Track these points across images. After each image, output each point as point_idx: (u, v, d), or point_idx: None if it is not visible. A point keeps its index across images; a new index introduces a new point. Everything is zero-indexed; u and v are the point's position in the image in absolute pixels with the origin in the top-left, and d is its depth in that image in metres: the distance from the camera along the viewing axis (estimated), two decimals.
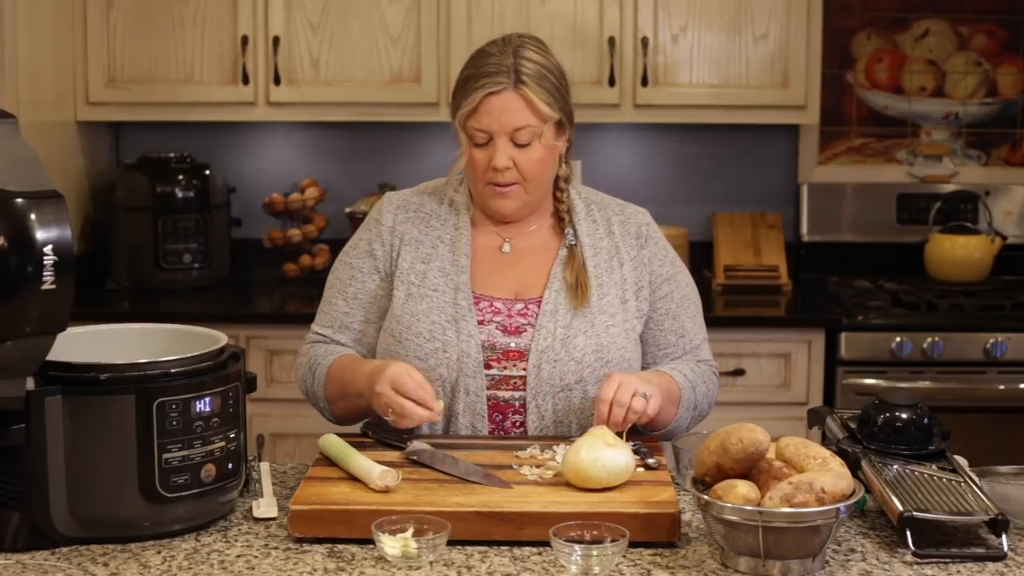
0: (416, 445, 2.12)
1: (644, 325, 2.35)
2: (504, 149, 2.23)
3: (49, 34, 3.74)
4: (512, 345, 2.26)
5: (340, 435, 2.13)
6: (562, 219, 2.36)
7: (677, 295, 2.38)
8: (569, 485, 1.97)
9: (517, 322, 2.28)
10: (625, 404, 2.10)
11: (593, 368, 2.25)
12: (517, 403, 2.26)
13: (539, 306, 2.29)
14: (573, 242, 2.34)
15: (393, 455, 2.10)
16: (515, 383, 2.26)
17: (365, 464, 1.98)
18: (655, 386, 2.17)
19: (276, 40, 3.88)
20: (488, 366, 2.25)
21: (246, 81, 3.90)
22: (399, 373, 2.13)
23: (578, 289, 2.29)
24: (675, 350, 2.37)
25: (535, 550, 1.85)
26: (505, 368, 2.25)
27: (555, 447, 2.12)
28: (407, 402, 2.11)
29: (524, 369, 2.25)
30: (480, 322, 2.27)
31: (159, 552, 1.85)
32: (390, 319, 2.31)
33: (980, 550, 1.84)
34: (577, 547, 1.74)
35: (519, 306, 2.30)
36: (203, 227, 4.03)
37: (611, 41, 3.88)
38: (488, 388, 2.25)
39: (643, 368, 2.35)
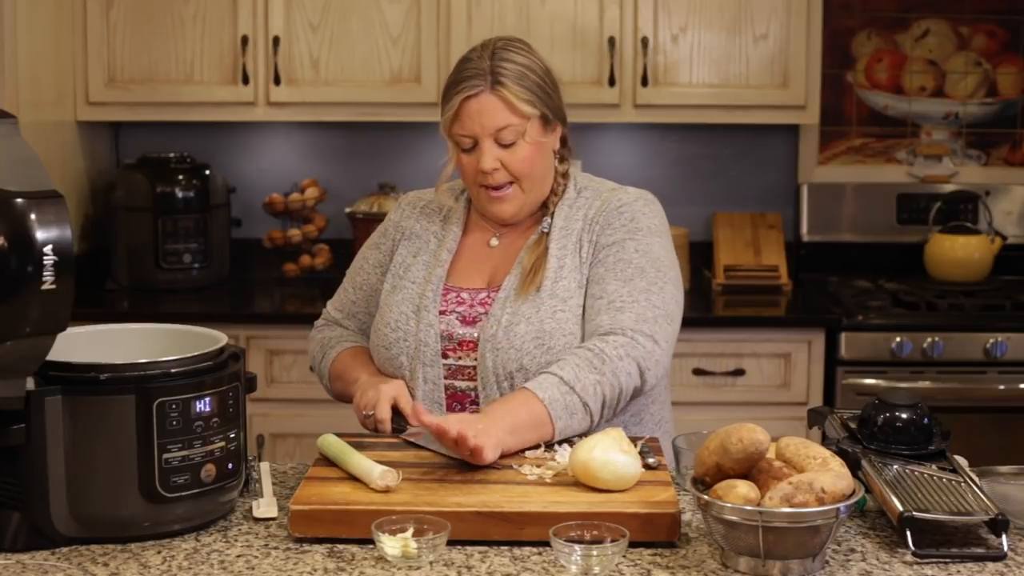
0: (415, 428, 2.15)
1: None
2: (490, 151, 2.26)
3: (49, 34, 3.74)
4: (468, 335, 2.28)
5: (339, 435, 2.13)
6: (547, 207, 2.37)
7: (611, 259, 2.25)
8: (569, 485, 1.97)
9: (476, 311, 2.30)
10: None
11: (533, 356, 2.22)
12: (473, 393, 2.27)
13: (499, 293, 2.31)
14: (546, 230, 2.34)
15: (393, 455, 2.10)
16: (469, 372, 2.27)
17: (365, 464, 1.98)
18: (498, 429, 2.03)
19: (276, 40, 3.88)
20: (445, 355, 2.27)
21: (246, 81, 3.90)
22: (388, 395, 2.24)
23: (531, 274, 2.28)
24: (590, 312, 2.23)
25: (535, 550, 1.85)
26: (460, 358, 2.28)
27: (555, 447, 2.12)
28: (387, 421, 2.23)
29: (475, 359, 2.26)
30: (442, 312, 2.30)
31: (159, 552, 1.85)
32: (377, 310, 2.38)
33: (980, 550, 1.84)
34: (577, 547, 1.74)
35: (482, 295, 2.32)
36: (203, 227, 4.03)
37: (611, 41, 3.88)
38: (446, 377, 2.27)
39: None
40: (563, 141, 2.38)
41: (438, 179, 2.42)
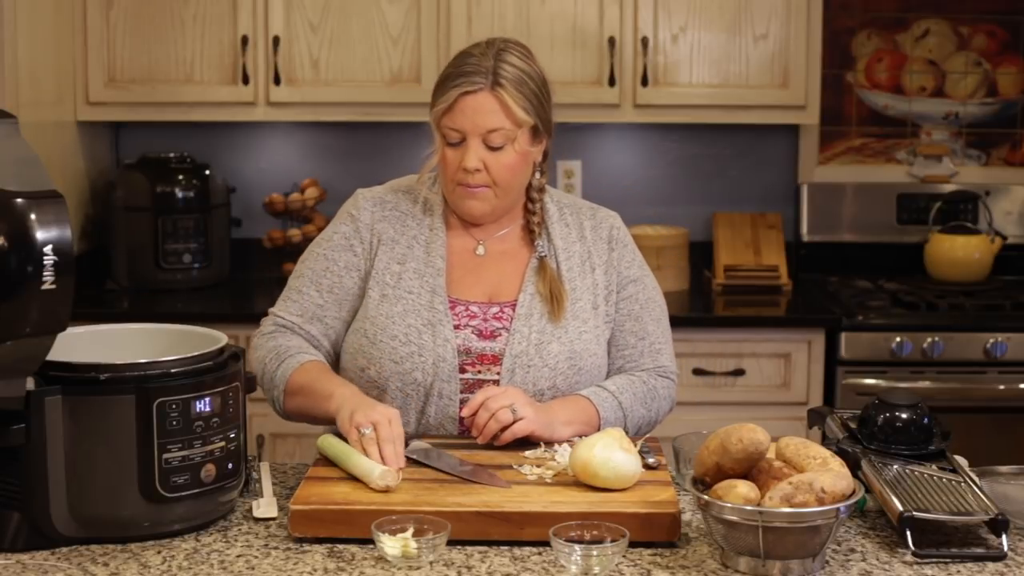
0: (416, 444, 2.12)
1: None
2: (476, 150, 2.23)
3: (49, 34, 3.74)
4: (487, 350, 2.26)
5: (338, 435, 2.13)
6: (532, 230, 2.35)
7: (642, 297, 2.36)
8: (569, 485, 1.97)
9: (492, 326, 2.28)
10: (492, 410, 2.11)
11: (566, 376, 2.25)
12: None
13: (514, 310, 2.28)
14: (544, 254, 2.33)
15: None
16: (488, 386, 2.23)
17: (365, 464, 1.98)
18: (561, 413, 2.20)
19: (276, 40, 3.88)
20: (463, 370, 2.24)
21: (246, 81, 3.90)
22: (390, 416, 2.06)
23: (553, 301, 2.28)
24: (634, 352, 2.35)
25: (535, 550, 1.85)
26: (480, 372, 2.25)
27: (556, 447, 2.12)
28: (377, 447, 2.02)
29: (498, 373, 2.24)
30: (456, 326, 2.26)
31: (159, 552, 1.85)
32: (363, 320, 2.29)
33: (980, 550, 1.84)
34: (577, 547, 1.74)
35: (494, 310, 2.29)
36: (203, 227, 4.03)
37: (611, 41, 3.88)
38: (462, 391, 2.24)
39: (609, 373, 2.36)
40: (544, 155, 2.35)
41: (421, 169, 2.36)
